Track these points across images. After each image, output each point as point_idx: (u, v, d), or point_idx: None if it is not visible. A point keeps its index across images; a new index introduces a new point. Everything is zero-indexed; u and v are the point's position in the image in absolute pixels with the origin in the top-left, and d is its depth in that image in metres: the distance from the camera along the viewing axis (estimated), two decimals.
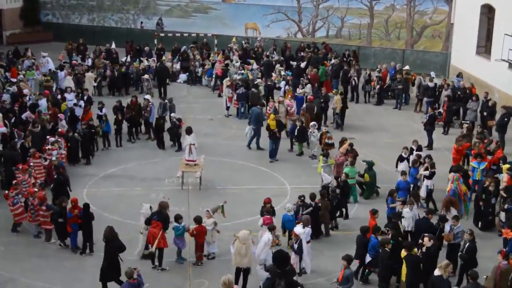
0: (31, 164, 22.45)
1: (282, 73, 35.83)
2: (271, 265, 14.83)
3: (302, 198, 19.95)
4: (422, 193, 22.20)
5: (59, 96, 30.34)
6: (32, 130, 25.19)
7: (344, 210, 21.70)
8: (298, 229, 17.65)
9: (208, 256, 18.78)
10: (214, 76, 37.14)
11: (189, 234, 18.20)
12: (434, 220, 18.73)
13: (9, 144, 23.96)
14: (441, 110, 30.81)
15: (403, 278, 16.34)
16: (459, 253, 17.37)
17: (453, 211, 19.82)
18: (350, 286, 15.76)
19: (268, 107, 29.91)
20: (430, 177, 22.22)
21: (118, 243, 16.90)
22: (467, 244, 17.10)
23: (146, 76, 34.85)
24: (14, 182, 20.73)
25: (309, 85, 32.79)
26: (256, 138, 28.06)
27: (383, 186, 23.10)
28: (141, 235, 18.72)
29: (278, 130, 26.63)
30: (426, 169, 22.34)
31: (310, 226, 17.95)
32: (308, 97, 31.06)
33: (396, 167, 23.69)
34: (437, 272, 15.15)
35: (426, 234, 17.20)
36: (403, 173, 21.79)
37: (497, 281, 15.76)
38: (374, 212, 18.49)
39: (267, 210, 19.00)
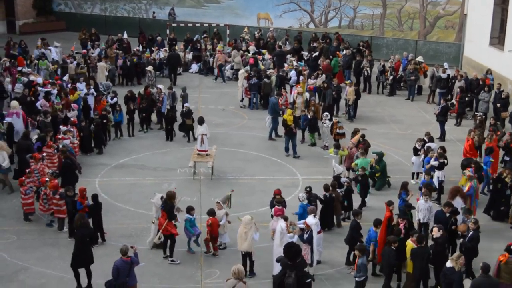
0: (44, 154, 22.52)
1: (294, 63, 35.77)
2: (282, 256, 14.85)
3: (308, 189, 19.93)
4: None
5: (69, 86, 30.37)
6: (43, 121, 25.27)
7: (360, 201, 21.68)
8: (310, 219, 17.65)
9: (220, 246, 18.85)
10: (218, 64, 37.44)
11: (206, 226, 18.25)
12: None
13: (23, 134, 24.07)
14: (453, 101, 30.70)
15: (409, 269, 16.35)
16: (461, 240, 17.24)
17: (458, 200, 19.70)
18: (363, 275, 15.84)
19: (279, 98, 29.71)
20: (440, 167, 22.12)
21: (88, 230, 16.98)
22: (471, 233, 17.04)
23: (149, 68, 34.57)
24: (27, 170, 20.86)
25: (323, 76, 32.64)
26: (272, 127, 28.12)
27: (395, 177, 23.06)
28: (152, 224, 18.79)
29: (295, 125, 26.22)
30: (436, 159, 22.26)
31: (316, 216, 17.99)
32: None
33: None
34: (449, 264, 15.11)
35: (435, 225, 17.19)
36: (427, 172, 21.21)
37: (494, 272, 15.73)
38: (389, 204, 18.32)
39: (279, 201, 19.01)
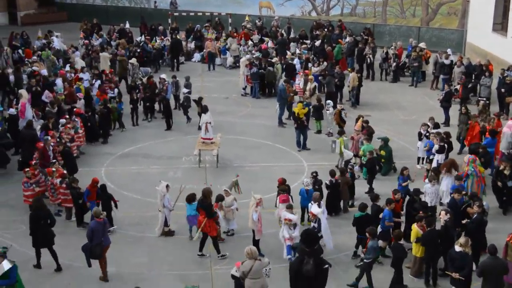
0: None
1: (298, 51, 35.73)
2: (299, 243, 14.91)
3: (314, 174, 20.02)
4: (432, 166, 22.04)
5: (73, 75, 30.39)
6: (50, 111, 25.27)
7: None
8: (315, 209, 17.70)
9: (228, 233, 18.90)
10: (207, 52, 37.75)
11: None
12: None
13: (26, 124, 24.05)
14: (457, 87, 30.68)
15: (417, 254, 16.43)
16: (467, 221, 17.27)
17: (454, 173, 19.69)
18: (371, 257, 15.95)
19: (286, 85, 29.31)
20: (440, 151, 22.04)
21: (44, 213, 17.14)
22: (475, 215, 17.07)
23: (132, 60, 33.70)
24: (33, 162, 20.81)
25: (324, 63, 32.63)
26: (280, 113, 28.20)
27: (400, 162, 23.02)
28: (159, 212, 18.83)
29: (306, 118, 25.82)
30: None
31: (321, 202, 18.06)
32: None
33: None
34: (458, 249, 15.01)
35: (442, 208, 17.21)
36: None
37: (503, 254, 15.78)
38: (395, 192, 18.34)
39: (283, 188, 19.04)
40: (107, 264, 16.84)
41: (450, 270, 15.11)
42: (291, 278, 14.00)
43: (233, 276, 14.92)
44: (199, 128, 25.75)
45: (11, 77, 29.82)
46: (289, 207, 17.69)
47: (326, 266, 14.18)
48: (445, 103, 27.98)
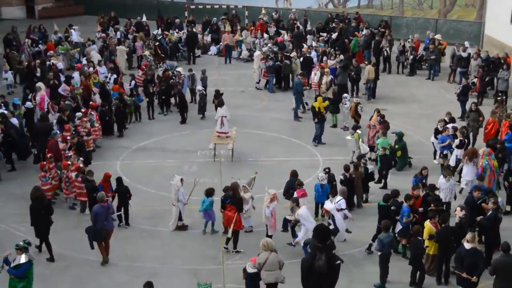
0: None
1: (314, 44, 35.60)
2: (311, 239, 14.91)
3: (327, 170, 19.96)
4: (452, 162, 21.90)
5: (91, 69, 30.52)
6: (69, 104, 25.36)
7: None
8: (328, 205, 17.69)
9: (246, 230, 18.78)
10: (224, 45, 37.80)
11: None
12: None
13: (40, 116, 24.19)
14: (474, 80, 30.43)
15: (430, 251, 16.34)
16: (480, 217, 17.16)
17: (475, 162, 19.72)
18: (383, 250, 15.95)
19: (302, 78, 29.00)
20: (459, 146, 21.91)
21: (43, 204, 17.37)
22: (490, 212, 16.94)
23: (146, 53, 34.05)
24: (49, 155, 20.85)
25: (340, 56, 32.49)
26: (295, 107, 28.14)
27: (416, 157, 22.96)
28: (173, 207, 18.88)
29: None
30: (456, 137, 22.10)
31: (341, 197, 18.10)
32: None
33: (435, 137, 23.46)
34: (467, 246, 14.78)
35: (459, 204, 17.11)
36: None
37: None
38: (414, 188, 18.19)
39: (299, 183, 19.01)
40: (109, 249, 17.34)
41: (459, 270, 14.90)
42: (303, 274, 14.00)
43: (245, 273, 14.93)
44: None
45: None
46: (295, 201, 17.70)
47: (338, 262, 14.16)
48: (462, 97, 27.75)
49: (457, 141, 21.97)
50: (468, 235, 14.97)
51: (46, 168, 20.33)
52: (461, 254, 14.91)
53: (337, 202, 17.82)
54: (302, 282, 14.08)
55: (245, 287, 15.08)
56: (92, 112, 25.02)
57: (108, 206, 17.28)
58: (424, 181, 19.58)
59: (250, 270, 14.76)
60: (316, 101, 25.55)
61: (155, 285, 14.01)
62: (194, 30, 38.61)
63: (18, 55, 33.47)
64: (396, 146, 22.73)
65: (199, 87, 28.64)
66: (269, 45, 34.92)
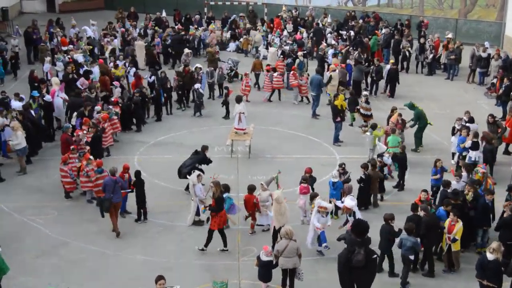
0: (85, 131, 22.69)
1: (333, 42, 35.50)
2: (348, 234, 14.95)
3: (343, 166, 19.98)
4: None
5: (111, 64, 30.65)
6: (88, 96, 25.50)
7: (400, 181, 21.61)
8: (348, 202, 17.63)
9: (264, 229, 18.81)
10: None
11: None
12: None
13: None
14: (494, 81, 30.20)
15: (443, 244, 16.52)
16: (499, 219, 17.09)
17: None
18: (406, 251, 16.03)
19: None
20: (473, 147, 21.64)
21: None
22: (506, 215, 16.80)
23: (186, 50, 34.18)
24: (71, 147, 20.86)
25: (355, 53, 32.36)
26: (315, 105, 28.12)
27: (433, 156, 22.78)
28: (192, 201, 18.93)
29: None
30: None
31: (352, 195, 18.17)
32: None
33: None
34: (490, 257, 14.34)
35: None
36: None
37: None
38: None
39: (305, 178, 19.07)
40: (117, 220, 18.33)
41: (481, 278, 14.59)
42: (341, 269, 14.06)
43: (259, 261, 15.12)
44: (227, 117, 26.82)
45: (59, 64, 30.15)
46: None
47: (375, 256, 14.21)
48: (504, 97, 27.63)
49: (469, 143, 21.68)
50: (494, 244, 14.56)
51: (68, 161, 20.40)
52: (483, 264, 14.50)
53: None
54: (340, 278, 14.13)
55: (258, 275, 15.38)
56: (110, 106, 25.09)
57: (118, 180, 18.31)
58: (441, 173, 19.76)
59: (264, 258, 15.12)
60: (337, 99, 25.38)
61: (169, 280, 13.98)
62: (213, 26, 38.68)
63: (47, 47, 33.75)
64: (412, 121, 23.43)
65: (196, 85, 28.53)
66: (289, 42, 34.86)
